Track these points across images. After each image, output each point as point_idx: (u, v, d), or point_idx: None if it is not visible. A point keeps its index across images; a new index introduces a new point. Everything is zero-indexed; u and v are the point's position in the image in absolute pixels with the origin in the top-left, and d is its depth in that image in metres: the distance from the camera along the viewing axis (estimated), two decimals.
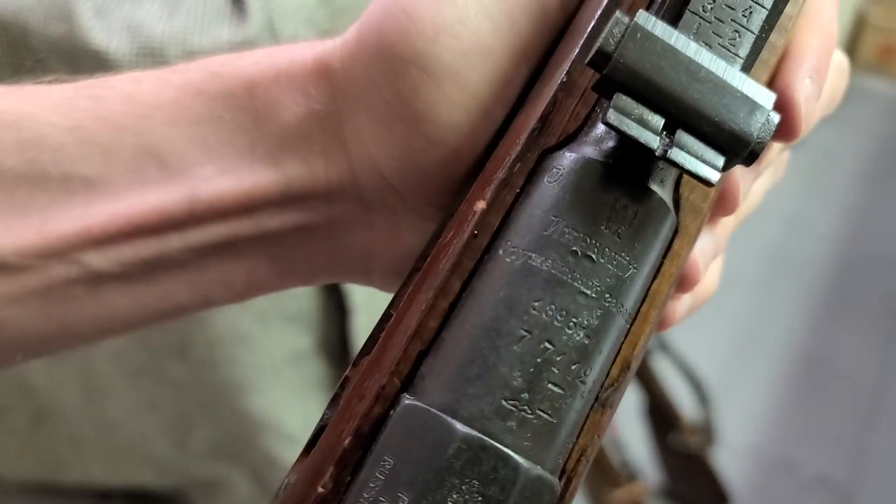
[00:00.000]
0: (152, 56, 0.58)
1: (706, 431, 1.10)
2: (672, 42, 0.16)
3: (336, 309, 0.77)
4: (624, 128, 0.15)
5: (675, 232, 0.18)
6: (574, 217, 0.16)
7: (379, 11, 0.20)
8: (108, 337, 0.22)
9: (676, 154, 0.16)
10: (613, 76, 0.16)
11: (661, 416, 1.07)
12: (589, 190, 0.17)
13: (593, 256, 0.16)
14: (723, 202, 0.20)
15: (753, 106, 0.16)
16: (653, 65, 0.15)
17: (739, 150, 0.16)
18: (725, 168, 0.16)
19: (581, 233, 0.16)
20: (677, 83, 0.15)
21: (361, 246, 0.22)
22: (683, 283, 0.20)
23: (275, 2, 0.61)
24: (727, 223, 0.22)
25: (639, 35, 0.15)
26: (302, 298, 0.72)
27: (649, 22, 0.16)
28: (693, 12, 0.17)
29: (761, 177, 0.24)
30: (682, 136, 0.16)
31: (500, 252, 0.17)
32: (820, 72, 0.21)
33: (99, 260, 0.20)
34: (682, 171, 0.16)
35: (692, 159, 0.16)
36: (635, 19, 0.16)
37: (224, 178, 0.20)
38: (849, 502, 1.24)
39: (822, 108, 0.24)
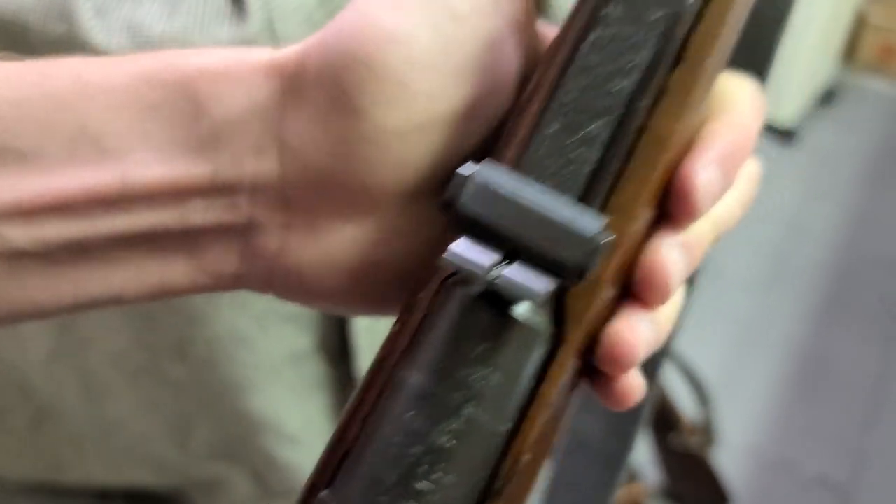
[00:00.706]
0: None
1: (706, 431, 1.10)
2: (510, 186, 0.18)
3: None
4: (460, 264, 0.18)
5: (561, 340, 0.20)
6: (446, 343, 0.19)
7: (344, 17, 0.21)
8: (16, 321, 0.22)
9: (506, 283, 0.18)
10: (456, 222, 0.18)
11: (661, 416, 1.07)
12: (460, 319, 0.19)
13: (459, 375, 0.19)
14: (682, 205, 0.21)
15: (579, 236, 0.18)
16: (490, 210, 0.18)
17: (568, 275, 0.18)
18: (560, 289, 0.19)
19: (450, 356, 0.19)
20: (511, 223, 0.18)
21: (273, 247, 0.22)
22: (645, 291, 0.21)
23: (274, 2, 0.61)
24: (701, 238, 0.23)
25: (478, 184, 0.18)
26: None
27: (490, 172, 0.18)
28: (533, 153, 0.19)
29: (732, 189, 0.23)
30: (516, 268, 0.18)
31: (396, 368, 0.20)
32: (726, 162, 0.22)
33: (22, 236, 0.20)
34: (511, 297, 0.18)
35: (520, 286, 0.18)
36: (476, 172, 0.18)
37: (156, 164, 0.21)
38: (848, 502, 1.24)
39: (737, 209, 0.25)
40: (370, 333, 0.80)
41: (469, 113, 0.21)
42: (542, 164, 0.20)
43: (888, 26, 2.13)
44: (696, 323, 1.57)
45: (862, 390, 1.40)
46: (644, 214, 0.21)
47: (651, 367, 0.53)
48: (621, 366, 0.20)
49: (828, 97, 2.10)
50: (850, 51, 2.20)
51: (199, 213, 0.21)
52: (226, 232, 0.22)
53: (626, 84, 0.20)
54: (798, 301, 1.56)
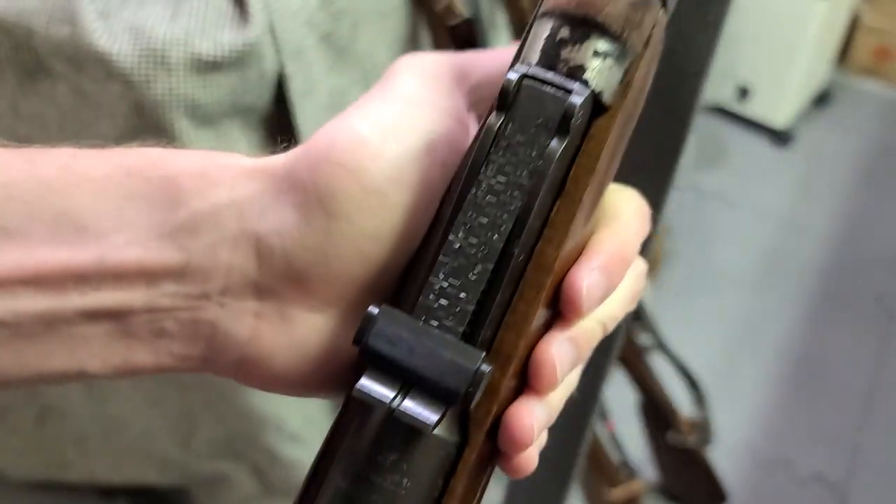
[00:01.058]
0: (155, 58, 0.58)
1: (703, 430, 1.11)
2: (405, 328, 0.22)
3: None
4: (362, 396, 0.22)
5: (465, 443, 0.23)
6: (364, 453, 0.23)
7: (336, 126, 0.24)
8: None
9: (403, 410, 0.21)
10: (364, 356, 0.22)
11: (657, 414, 1.08)
12: (374, 435, 0.23)
13: (375, 481, 0.22)
14: (569, 307, 0.24)
15: (462, 368, 0.21)
16: (390, 348, 0.21)
17: (453, 400, 0.21)
18: (445, 412, 0.22)
19: (367, 464, 0.23)
20: (407, 358, 0.21)
21: (244, 335, 0.24)
22: (536, 382, 0.24)
23: (275, 5, 0.62)
24: (589, 335, 0.26)
25: (379, 327, 0.22)
26: None
27: (390, 315, 0.22)
28: (425, 297, 0.22)
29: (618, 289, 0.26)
30: (412, 397, 0.21)
31: (329, 470, 0.24)
32: (608, 268, 0.24)
33: None
34: (406, 422, 0.21)
35: (416, 411, 0.21)
36: (378, 314, 0.22)
37: (131, 247, 0.22)
38: (844, 500, 1.25)
39: (623, 305, 0.27)
40: None
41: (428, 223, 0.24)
42: (433, 308, 0.22)
43: (882, 28, 2.15)
44: (692, 322, 1.58)
45: (857, 389, 1.41)
46: (539, 318, 0.24)
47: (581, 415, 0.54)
48: (519, 446, 0.23)
49: (823, 99, 2.12)
50: (845, 52, 2.22)
51: (168, 298, 0.23)
52: (195, 319, 0.23)
53: (504, 229, 0.23)
54: (794, 300, 1.58)
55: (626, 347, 1.00)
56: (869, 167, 1.95)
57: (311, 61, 0.63)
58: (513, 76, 0.23)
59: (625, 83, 0.24)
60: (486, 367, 0.21)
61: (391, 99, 0.24)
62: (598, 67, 0.23)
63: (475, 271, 0.23)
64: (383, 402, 0.21)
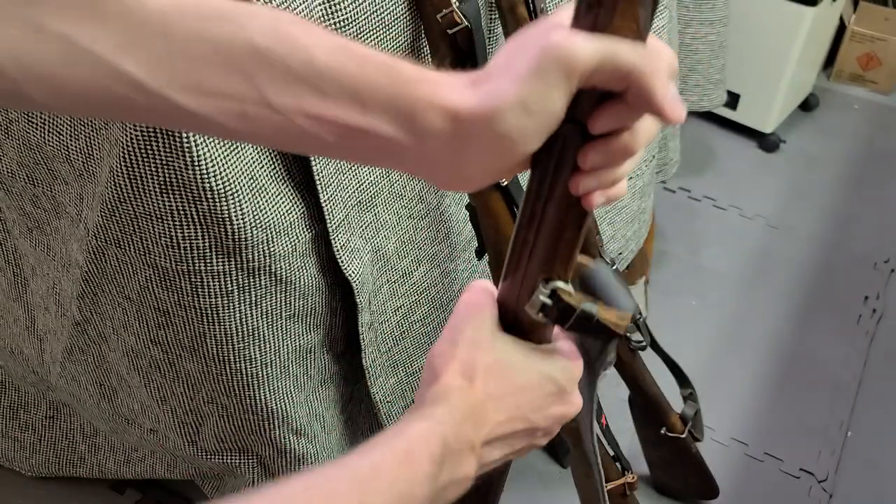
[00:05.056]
0: None
1: (694, 426, 1.13)
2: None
3: (341, 307, 0.80)
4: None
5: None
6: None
7: (489, 85, 0.35)
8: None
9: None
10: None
11: (649, 410, 1.10)
12: None
13: None
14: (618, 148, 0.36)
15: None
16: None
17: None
18: None
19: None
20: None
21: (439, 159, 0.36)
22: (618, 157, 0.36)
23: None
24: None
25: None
26: (308, 297, 0.74)
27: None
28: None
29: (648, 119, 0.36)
30: None
31: None
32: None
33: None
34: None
35: None
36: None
37: (384, 122, 0.35)
38: (831, 496, 1.27)
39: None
40: (373, 330, 0.84)
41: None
42: None
43: (870, 35, 2.19)
44: (683, 320, 1.60)
45: (845, 386, 1.44)
46: None
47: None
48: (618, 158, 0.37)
49: (810, 104, 2.15)
50: (832, 59, 2.26)
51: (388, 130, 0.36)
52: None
53: None
54: (782, 300, 1.60)
55: (619, 345, 1.02)
56: (854, 171, 1.99)
57: None
58: None
59: None
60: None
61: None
62: None
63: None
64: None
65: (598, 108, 0.34)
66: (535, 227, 0.38)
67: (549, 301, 0.39)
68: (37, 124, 0.68)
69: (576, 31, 0.33)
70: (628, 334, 1.01)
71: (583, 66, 0.33)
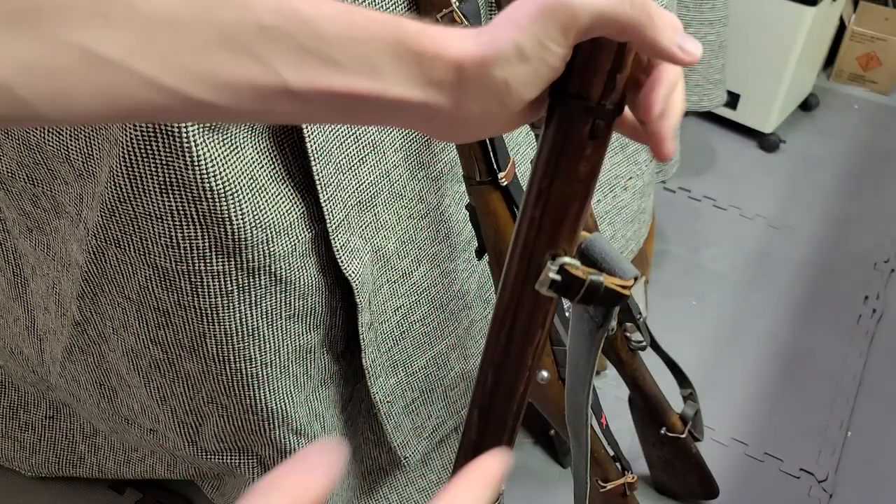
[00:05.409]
0: None
1: (694, 426, 1.13)
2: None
3: (341, 307, 0.80)
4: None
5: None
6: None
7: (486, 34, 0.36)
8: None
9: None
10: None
11: (649, 411, 1.10)
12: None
13: None
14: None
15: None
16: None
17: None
18: None
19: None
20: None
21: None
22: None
23: None
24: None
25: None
26: (308, 297, 0.74)
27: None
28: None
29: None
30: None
31: None
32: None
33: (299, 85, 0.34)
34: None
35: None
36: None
37: (397, 88, 0.35)
38: (831, 496, 1.27)
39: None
40: (373, 330, 0.84)
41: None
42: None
43: (869, 35, 2.19)
44: (683, 320, 1.60)
45: (845, 386, 1.44)
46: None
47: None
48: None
49: (810, 104, 2.15)
50: (832, 59, 2.26)
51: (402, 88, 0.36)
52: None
53: None
54: (782, 299, 1.60)
55: (619, 345, 1.02)
56: (854, 170, 1.99)
57: None
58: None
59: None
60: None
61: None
62: None
63: None
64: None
65: (650, 95, 0.37)
66: (541, 203, 0.40)
67: (558, 277, 0.41)
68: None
69: None
70: (628, 334, 1.01)
71: (580, 20, 0.34)
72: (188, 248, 0.66)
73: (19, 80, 0.29)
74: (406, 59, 0.35)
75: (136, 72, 0.30)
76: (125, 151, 0.61)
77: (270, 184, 0.66)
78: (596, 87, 0.36)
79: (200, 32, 0.31)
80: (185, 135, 0.59)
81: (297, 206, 0.69)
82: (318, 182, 0.68)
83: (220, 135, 0.61)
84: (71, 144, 0.67)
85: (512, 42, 0.35)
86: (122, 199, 0.65)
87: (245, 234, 0.65)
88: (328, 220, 0.70)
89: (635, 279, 0.43)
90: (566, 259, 0.41)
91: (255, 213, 0.65)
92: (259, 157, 0.65)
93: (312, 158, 0.67)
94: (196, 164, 0.60)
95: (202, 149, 0.60)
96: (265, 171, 0.65)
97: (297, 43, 0.33)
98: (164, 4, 0.31)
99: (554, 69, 0.36)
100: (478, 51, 0.35)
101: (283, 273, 0.70)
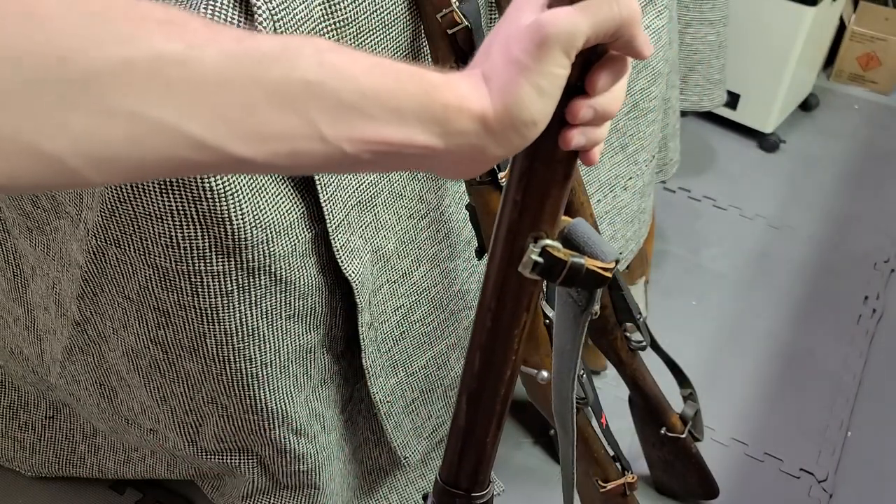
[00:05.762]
0: None
1: (694, 426, 1.13)
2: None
3: (341, 307, 0.80)
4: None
5: None
6: None
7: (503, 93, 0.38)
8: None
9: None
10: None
11: (649, 411, 1.10)
12: None
13: None
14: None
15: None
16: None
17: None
18: None
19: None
20: None
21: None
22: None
23: (280, 14, 0.64)
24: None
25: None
26: (308, 297, 0.74)
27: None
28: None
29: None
30: None
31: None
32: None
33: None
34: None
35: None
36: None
37: (416, 131, 0.37)
38: (831, 496, 1.27)
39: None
40: (373, 330, 0.84)
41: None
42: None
43: (870, 35, 2.19)
44: (683, 320, 1.60)
45: (845, 386, 1.44)
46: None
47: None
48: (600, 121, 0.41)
49: (810, 104, 2.15)
50: (832, 59, 2.26)
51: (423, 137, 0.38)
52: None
53: None
54: (782, 299, 1.60)
55: (619, 345, 1.02)
56: (854, 170, 1.99)
57: None
58: None
59: None
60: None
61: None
62: None
63: None
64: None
65: (596, 71, 0.39)
66: (524, 186, 0.42)
67: (540, 259, 0.42)
68: None
69: (556, 6, 0.36)
70: (628, 334, 1.01)
71: (580, 39, 0.36)
72: (188, 248, 0.66)
73: (71, 150, 0.28)
74: (432, 111, 0.36)
75: (186, 133, 0.31)
76: None
77: (270, 184, 0.66)
78: (573, 73, 0.38)
79: (249, 90, 0.32)
80: None
81: (297, 206, 0.69)
82: (318, 182, 0.68)
83: None
84: None
85: (527, 85, 0.37)
86: (122, 199, 0.65)
87: (245, 234, 0.65)
88: (328, 220, 0.70)
89: (616, 262, 0.44)
90: (548, 241, 0.42)
91: (255, 213, 0.65)
92: None
93: None
94: None
95: None
96: None
97: (337, 98, 0.34)
98: (216, 65, 0.31)
99: (563, 88, 0.38)
100: (499, 102, 0.37)
101: (283, 273, 0.70)
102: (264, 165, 0.34)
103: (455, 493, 0.55)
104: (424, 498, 0.61)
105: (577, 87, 0.39)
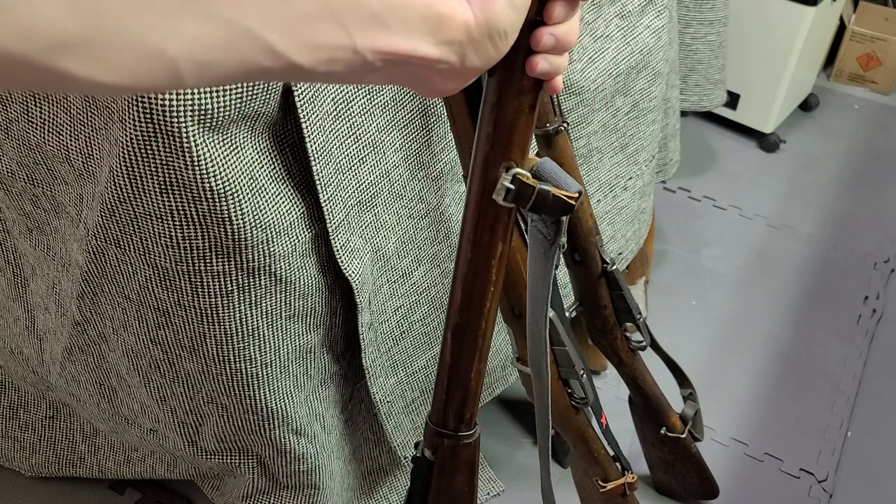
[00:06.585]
0: None
1: (694, 426, 1.13)
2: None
3: (341, 307, 0.80)
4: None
5: None
6: None
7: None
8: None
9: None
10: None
11: (649, 411, 1.10)
12: None
13: None
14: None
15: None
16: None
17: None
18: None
19: None
20: None
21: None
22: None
23: None
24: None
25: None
26: (308, 297, 0.75)
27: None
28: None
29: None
30: None
31: None
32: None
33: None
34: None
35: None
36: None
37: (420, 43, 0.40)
38: (831, 496, 1.27)
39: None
40: (373, 330, 0.84)
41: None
42: None
43: (870, 35, 2.19)
44: (683, 320, 1.60)
45: (845, 386, 1.44)
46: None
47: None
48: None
49: (810, 104, 2.15)
50: (832, 59, 2.26)
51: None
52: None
53: None
54: (782, 299, 1.60)
55: (619, 345, 1.02)
56: (854, 171, 1.99)
57: None
58: None
59: None
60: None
61: None
62: None
63: None
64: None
65: (552, 3, 0.43)
66: (494, 118, 0.46)
67: (511, 186, 0.47)
68: (36, 124, 0.68)
69: None
70: (628, 334, 1.01)
71: None
72: (188, 248, 0.66)
73: (184, 54, 0.32)
74: (432, 21, 0.39)
75: (265, 41, 0.34)
76: (125, 151, 0.61)
77: (270, 184, 0.66)
78: (532, 8, 0.42)
79: (308, 4, 0.35)
80: (185, 135, 0.59)
81: (297, 206, 0.69)
82: (318, 182, 0.68)
83: (220, 135, 0.61)
84: (71, 144, 0.67)
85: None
86: (122, 199, 0.65)
87: (245, 234, 0.65)
88: (328, 220, 0.70)
89: (579, 193, 0.49)
90: (518, 170, 0.47)
91: (255, 213, 0.65)
92: (259, 157, 0.65)
93: (312, 158, 0.67)
94: (196, 164, 0.60)
95: (202, 149, 0.60)
96: (265, 171, 0.65)
97: (370, 9, 0.37)
98: None
99: (530, 3, 0.42)
100: (480, 13, 0.41)
101: (283, 273, 0.70)
102: (315, 75, 0.38)
103: (444, 434, 0.60)
104: (416, 445, 0.64)
105: (538, 21, 0.43)
